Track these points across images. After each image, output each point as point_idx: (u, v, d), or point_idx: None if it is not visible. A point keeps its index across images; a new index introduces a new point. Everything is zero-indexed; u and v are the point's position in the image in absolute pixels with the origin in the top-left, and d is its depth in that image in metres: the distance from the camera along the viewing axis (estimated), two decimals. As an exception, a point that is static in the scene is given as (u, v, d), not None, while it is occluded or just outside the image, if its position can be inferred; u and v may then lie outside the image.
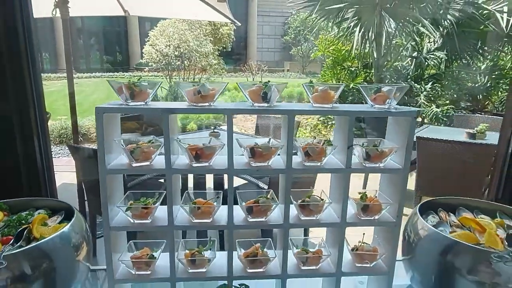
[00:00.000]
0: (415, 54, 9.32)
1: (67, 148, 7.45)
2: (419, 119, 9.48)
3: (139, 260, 1.21)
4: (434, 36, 9.13)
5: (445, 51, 9.16)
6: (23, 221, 1.30)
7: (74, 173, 3.29)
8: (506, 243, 1.27)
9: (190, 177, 3.10)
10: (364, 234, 1.37)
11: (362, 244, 1.32)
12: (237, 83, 1.16)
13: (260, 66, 15.67)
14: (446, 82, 9.37)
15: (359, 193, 1.26)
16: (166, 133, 1.09)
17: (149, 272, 1.23)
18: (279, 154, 1.20)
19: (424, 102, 8.93)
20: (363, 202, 1.22)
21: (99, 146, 1.09)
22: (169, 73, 10.62)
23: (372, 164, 1.19)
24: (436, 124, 8.29)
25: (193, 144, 1.13)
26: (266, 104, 1.13)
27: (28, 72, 1.47)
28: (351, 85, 8.98)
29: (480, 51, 9.35)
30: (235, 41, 14.28)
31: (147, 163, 1.14)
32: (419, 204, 1.53)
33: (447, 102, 9.07)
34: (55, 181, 1.67)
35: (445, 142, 4.37)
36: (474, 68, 9.42)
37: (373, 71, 9.46)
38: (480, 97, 9.50)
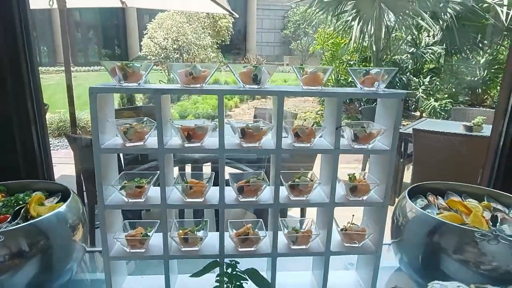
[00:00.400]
0: (412, 49, 9.32)
1: (66, 140, 7.47)
2: (417, 113, 9.51)
3: (133, 238, 1.24)
4: (433, 30, 9.12)
5: (444, 45, 9.16)
6: (21, 202, 1.33)
7: (73, 165, 3.32)
8: (491, 223, 1.31)
9: (188, 168, 3.15)
10: (353, 215, 1.41)
11: (351, 225, 1.35)
12: (228, 65, 1.18)
13: (259, 60, 15.65)
14: (445, 76, 9.38)
15: (348, 174, 1.29)
16: (158, 113, 1.12)
17: (143, 250, 1.26)
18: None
19: (423, 96, 8.94)
20: (351, 183, 1.26)
21: (93, 126, 1.12)
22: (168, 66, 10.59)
23: (360, 146, 1.22)
24: (434, 118, 8.31)
25: (185, 125, 1.16)
26: (256, 86, 1.16)
27: (24, 58, 1.50)
28: (350, 79, 8.99)
29: (480, 45, 9.35)
30: (234, 34, 14.25)
31: (141, 143, 1.17)
32: (408, 188, 1.56)
33: (446, 96, 9.08)
34: (52, 165, 1.70)
35: (441, 134, 4.40)
36: (473, 62, 9.42)
37: (371, 64, 9.46)
38: (479, 91, 9.51)
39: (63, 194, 1.45)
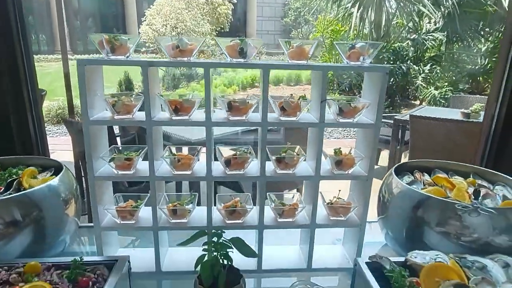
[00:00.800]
0: (414, 36, 9.24)
1: (64, 127, 7.49)
2: (417, 102, 9.49)
3: (123, 209, 1.27)
4: (434, 17, 9.03)
5: (445, 32, 9.07)
6: (14, 175, 1.36)
7: (71, 152, 3.35)
8: (473, 197, 1.34)
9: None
10: (339, 190, 1.44)
11: (337, 199, 1.38)
12: (214, 38, 1.19)
13: (259, 49, 15.50)
14: (446, 64, 9.32)
15: (334, 149, 1.32)
16: (145, 86, 1.13)
17: (133, 222, 1.30)
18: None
19: (422, 84, 8.91)
20: (336, 157, 1.28)
21: (81, 99, 1.14)
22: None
23: (345, 119, 1.24)
24: (434, 106, 8.29)
25: (172, 98, 1.18)
26: (242, 60, 1.17)
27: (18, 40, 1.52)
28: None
29: (482, 33, 9.27)
30: (234, 22, 14.11)
31: (129, 116, 1.19)
32: (395, 166, 1.59)
33: (446, 84, 9.04)
34: (47, 142, 1.73)
35: (437, 120, 4.41)
36: (474, 50, 9.35)
37: (372, 52, 9.37)
38: (480, 79, 9.46)
39: (56, 170, 1.48)
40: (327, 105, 1.21)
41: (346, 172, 1.30)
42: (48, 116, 8.14)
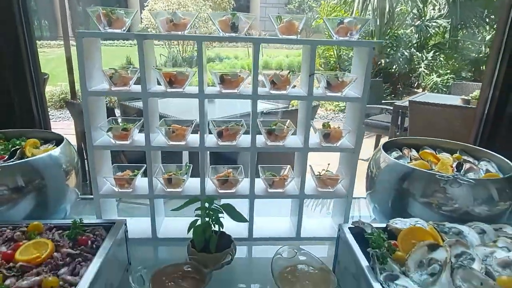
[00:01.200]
0: (418, 22, 9.15)
1: (67, 111, 7.57)
2: (420, 90, 9.46)
3: (121, 177, 1.34)
4: (439, 3, 8.93)
5: (450, 19, 8.98)
6: (17, 145, 1.43)
7: (74, 136, 3.42)
8: (455, 170, 1.39)
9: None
10: (329, 164, 1.50)
11: (326, 172, 1.44)
12: (207, 13, 1.24)
13: (261, 35, 15.41)
14: (449, 52, 9.24)
15: (323, 123, 1.37)
16: (141, 59, 1.18)
17: (130, 190, 1.36)
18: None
19: (425, 71, 8.87)
20: (324, 129, 1.33)
21: (80, 71, 1.19)
22: (169, 41, 10.52)
23: (333, 93, 1.28)
24: (435, 93, 8.26)
25: (166, 71, 1.23)
26: (234, 34, 1.22)
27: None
28: (351, 54, 8.90)
29: (487, 20, 9.16)
30: (236, 8, 13.99)
31: (126, 88, 1.24)
32: (384, 142, 1.64)
33: (448, 72, 8.99)
34: (48, 116, 1.79)
35: (437, 106, 4.43)
36: (479, 38, 9.26)
37: (375, 38, 9.33)
38: (484, 67, 9.39)
39: (58, 143, 1.54)
40: (316, 80, 1.26)
41: (334, 145, 1.35)
42: (50, 101, 8.22)
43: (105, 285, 1.03)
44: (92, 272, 0.94)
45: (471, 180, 1.23)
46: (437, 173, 1.31)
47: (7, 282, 0.89)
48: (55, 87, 8.80)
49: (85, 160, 3.33)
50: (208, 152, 1.41)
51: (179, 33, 1.20)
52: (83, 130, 1.59)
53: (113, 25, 1.18)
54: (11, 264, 0.95)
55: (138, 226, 1.46)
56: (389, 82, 9.50)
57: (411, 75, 9.68)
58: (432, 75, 8.90)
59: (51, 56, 11.90)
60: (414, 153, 1.59)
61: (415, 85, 10.06)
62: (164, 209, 1.55)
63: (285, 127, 1.34)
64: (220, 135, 1.31)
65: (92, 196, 1.39)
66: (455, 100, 4.94)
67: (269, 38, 1.27)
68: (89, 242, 1.08)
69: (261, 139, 1.36)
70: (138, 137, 1.35)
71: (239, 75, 1.24)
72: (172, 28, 1.19)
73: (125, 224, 1.20)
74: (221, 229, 1.24)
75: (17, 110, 1.73)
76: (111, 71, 1.22)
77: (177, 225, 1.49)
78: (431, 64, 8.98)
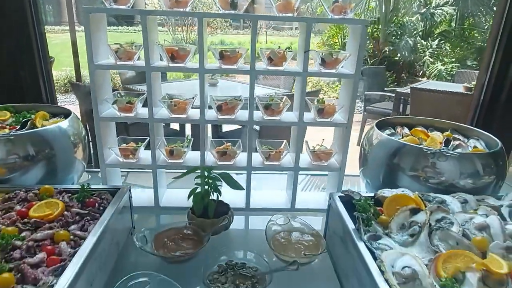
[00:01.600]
0: (424, 10, 9.06)
1: (72, 95, 7.65)
2: (424, 79, 9.42)
3: (125, 148, 1.42)
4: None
5: (456, 7, 8.88)
6: (27, 117, 1.51)
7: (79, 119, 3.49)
8: (443, 145, 1.45)
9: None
10: (323, 139, 1.56)
11: (320, 147, 1.51)
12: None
13: (268, 24, 15.31)
14: (455, 40, 9.17)
15: (317, 99, 1.43)
16: (144, 34, 1.25)
17: (134, 160, 1.44)
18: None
19: (429, 59, 8.82)
20: (319, 105, 1.40)
21: (87, 46, 1.26)
22: (173, 27, 10.52)
23: (327, 70, 1.34)
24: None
25: (169, 46, 1.29)
26: (233, 11, 1.27)
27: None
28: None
29: (494, 8, 9.04)
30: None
31: (130, 62, 1.31)
32: (378, 120, 1.70)
33: (453, 60, 8.94)
34: (55, 93, 1.86)
35: (438, 92, 4.46)
36: (485, 27, 9.16)
37: (380, 26, 9.26)
38: (488, 56, 9.30)
39: (65, 117, 1.62)
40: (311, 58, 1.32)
41: (328, 120, 1.42)
42: (56, 85, 8.30)
43: (111, 242, 1.12)
44: (99, 228, 1.02)
45: (455, 153, 1.29)
46: (425, 147, 1.37)
47: (23, 234, 0.98)
48: (60, 71, 8.88)
49: (90, 143, 3.44)
50: (211, 133, 1.48)
51: (181, 9, 1.26)
52: (88, 110, 1.67)
53: (119, 2, 1.24)
54: (25, 220, 1.04)
55: (141, 195, 1.55)
56: (393, 70, 9.47)
57: (416, 64, 9.64)
58: (437, 63, 8.85)
59: (55, 42, 11.93)
60: (406, 130, 1.65)
61: (420, 73, 10.01)
62: (165, 182, 1.63)
63: (281, 102, 1.40)
64: (219, 109, 1.38)
65: (97, 170, 1.47)
66: (458, 88, 4.95)
67: (266, 16, 1.32)
68: (96, 204, 1.17)
69: (258, 114, 1.42)
70: (142, 111, 1.43)
71: (238, 51, 1.30)
72: (174, 5, 1.24)
73: (130, 190, 1.29)
74: (219, 197, 1.32)
75: (25, 87, 1.80)
76: (117, 46, 1.29)
77: (178, 195, 1.57)
78: (436, 52, 8.93)
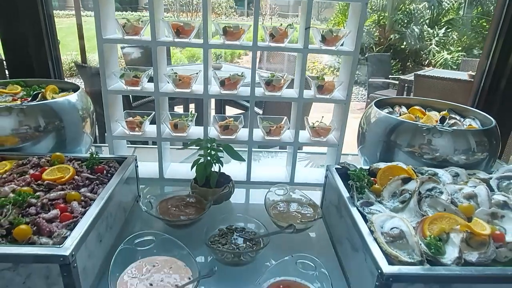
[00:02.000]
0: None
1: (77, 79, 7.70)
2: (430, 68, 9.35)
3: (132, 121, 1.47)
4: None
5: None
6: (38, 90, 1.56)
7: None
8: (439, 122, 1.50)
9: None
10: (323, 117, 1.61)
11: (319, 123, 1.56)
12: (212, -33, 1.32)
13: (273, 9, 15.15)
14: (462, 28, 9.06)
15: (317, 76, 1.47)
16: (150, 10, 1.29)
17: (140, 133, 1.50)
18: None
19: (435, 48, 8.75)
20: (318, 82, 1.44)
21: (96, 19, 1.30)
22: (178, 13, 10.47)
23: (327, 47, 1.38)
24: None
25: (174, 22, 1.33)
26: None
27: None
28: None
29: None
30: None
31: (137, 37, 1.36)
32: (376, 100, 1.74)
33: (460, 49, 8.85)
34: (62, 69, 1.92)
35: (441, 79, 4.46)
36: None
37: (386, 14, 9.17)
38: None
39: (74, 91, 1.67)
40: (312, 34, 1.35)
41: (328, 96, 1.46)
42: (61, 69, 8.35)
43: (119, 207, 1.18)
44: (108, 191, 1.09)
45: (449, 129, 1.34)
46: (420, 123, 1.42)
47: (37, 194, 1.05)
48: (65, 56, 8.92)
49: (96, 123, 3.51)
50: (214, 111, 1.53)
51: (186, -14, 1.30)
52: (93, 92, 1.73)
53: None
54: (39, 182, 1.11)
55: (147, 168, 1.61)
56: (399, 59, 9.41)
57: (422, 52, 9.56)
58: (443, 52, 8.78)
59: (60, 26, 11.92)
60: (404, 109, 1.69)
61: (426, 63, 9.94)
62: (170, 156, 1.70)
63: (282, 79, 1.45)
64: (222, 84, 1.43)
65: (104, 145, 1.53)
66: (462, 75, 4.94)
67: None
68: (104, 171, 1.23)
69: (260, 90, 1.47)
70: (148, 86, 1.48)
71: (241, 27, 1.34)
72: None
73: (136, 160, 1.35)
74: (221, 168, 1.38)
75: (34, 64, 1.86)
76: (124, 20, 1.33)
77: (181, 169, 1.64)
78: (442, 40, 8.85)
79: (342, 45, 1.43)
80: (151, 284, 0.91)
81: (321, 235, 1.28)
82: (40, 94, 1.49)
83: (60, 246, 0.84)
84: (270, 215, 1.23)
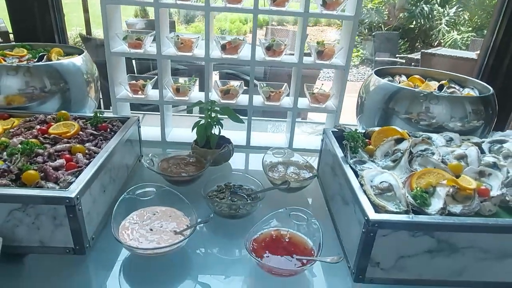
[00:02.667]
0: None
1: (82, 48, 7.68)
2: (438, 48, 9.18)
3: (135, 83, 1.51)
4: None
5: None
6: (43, 52, 1.60)
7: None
8: (437, 89, 1.51)
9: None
10: (322, 84, 1.63)
11: (319, 90, 1.58)
12: None
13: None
14: (473, 8, 8.83)
15: (317, 41, 1.49)
16: (153, -30, 1.30)
17: (143, 96, 1.54)
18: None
19: (445, 27, 8.56)
20: (319, 47, 1.45)
21: (99, -20, 1.32)
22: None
23: (328, 11, 1.39)
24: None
25: (176, -16, 1.34)
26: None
27: None
28: (369, 5, 8.62)
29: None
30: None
31: (139, -2, 1.38)
32: (376, 68, 1.75)
33: (470, 29, 8.66)
34: (66, 34, 1.94)
35: (448, 57, 4.41)
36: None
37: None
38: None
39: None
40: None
41: (327, 62, 1.48)
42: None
43: (122, 163, 1.23)
44: (111, 146, 1.13)
45: (445, 94, 1.36)
46: (418, 89, 1.43)
47: (44, 145, 1.10)
48: (70, 32, 8.87)
49: (101, 92, 3.55)
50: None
51: None
52: (98, 62, 1.75)
53: None
54: (45, 135, 1.16)
55: (150, 132, 1.66)
56: (407, 38, 9.23)
57: (431, 33, 9.36)
58: (453, 32, 8.60)
59: (65, 2, 11.83)
60: (403, 78, 1.70)
61: (435, 44, 9.75)
62: (172, 122, 1.74)
63: (283, 44, 1.46)
64: (223, 48, 1.45)
65: (109, 110, 1.57)
66: (470, 55, 4.87)
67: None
68: (108, 129, 1.28)
69: (260, 55, 1.49)
70: (151, 49, 1.50)
71: (242, -10, 1.35)
72: None
73: (138, 120, 1.39)
74: (221, 131, 1.42)
75: (39, 30, 1.88)
76: (126, -18, 1.34)
77: (183, 133, 1.68)
78: (452, 20, 8.65)
79: (343, 11, 1.43)
80: (151, 229, 0.97)
81: (317, 196, 1.33)
82: (45, 56, 1.52)
83: (66, 189, 0.89)
84: (266, 174, 1.27)
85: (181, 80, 1.66)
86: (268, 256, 0.93)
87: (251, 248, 0.94)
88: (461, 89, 1.65)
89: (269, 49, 1.46)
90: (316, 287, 0.96)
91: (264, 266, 0.91)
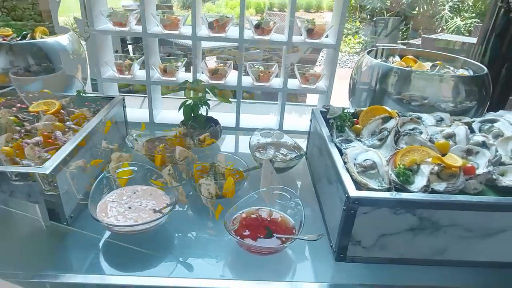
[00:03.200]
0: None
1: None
2: (440, 34, 9.03)
3: (120, 63, 1.48)
4: None
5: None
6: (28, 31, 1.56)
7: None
8: (429, 69, 1.48)
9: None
10: (316, 65, 1.59)
11: (310, 70, 1.54)
12: None
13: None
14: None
15: (307, 19, 1.44)
16: None
17: (130, 76, 1.51)
18: None
19: (448, 13, 8.41)
20: (308, 24, 1.41)
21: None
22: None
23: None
24: (455, 37, 7.89)
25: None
26: None
27: None
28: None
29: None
30: None
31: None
32: (369, 49, 1.71)
33: (474, 15, 8.50)
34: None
35: (447, 41, 4.33)
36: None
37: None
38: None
39: (66, 36, 1.67)
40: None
41: (317, 41, 1.44)
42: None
43: (105, 140, 1.21)
44: (92, 124, 1.11)
45: (437, 73, 1.32)
46: (410, 69, 1.40)
47: (22, 123, 1.08)
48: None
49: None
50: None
51: None
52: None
53: None
54: (25, 113, 1.14)
55: (138, 113, 1.64)
56: (409, 25, 9.08)
57: (434, 19, 9.20)
58: (456, 18, 8.44)
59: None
60: (397, 58, 1.66)
61: (438, 30, 9.58)
62: (161, 104, 1.71)
63: (272, 21, 1.42)
64: (211, 26, 1.41)
65: (96, 93, 1.54)
66: (471, 40, 4.78)
67: None
68: (92, 109, 1.25)
69: (249, 34, 1.45)
70: (136, 27, 1.47)
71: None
72: None
73: (123, 100, 1.36)
74: (208, 111, 1.39)
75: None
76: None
77: (172, 115, 1.65)
78: (456, 6, 8.48)
79: (334, -13, 1.39)
80: (129, 207, 0.96)
81: (305, 179, 1.30)
82: (29, 35, 1.49)
83: (41, 166, 0.87)
84: (253, 154, 1.25)
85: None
86: (248, 234, 0.92)
87: (230, 227, 0.92)
88: (455, 70, 1.61)
89: (258, 27, 1.42)
90: (299, 267, 0.95)
91: (243, 245, 0.89)
